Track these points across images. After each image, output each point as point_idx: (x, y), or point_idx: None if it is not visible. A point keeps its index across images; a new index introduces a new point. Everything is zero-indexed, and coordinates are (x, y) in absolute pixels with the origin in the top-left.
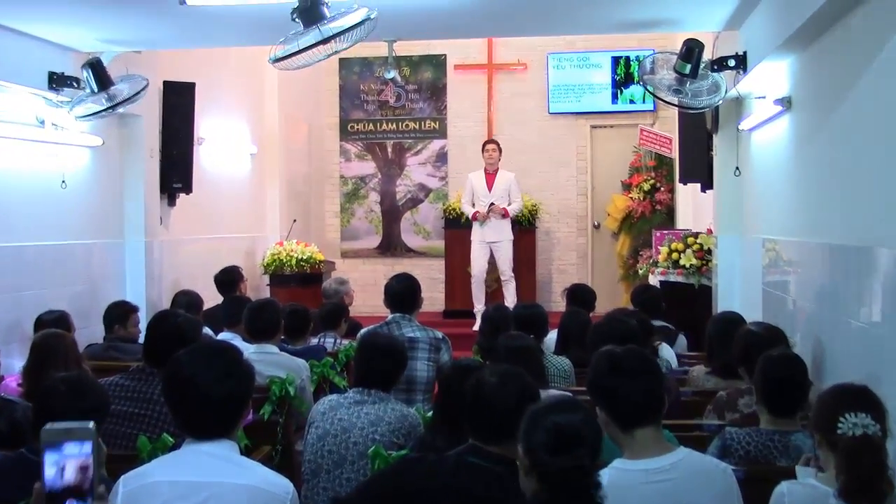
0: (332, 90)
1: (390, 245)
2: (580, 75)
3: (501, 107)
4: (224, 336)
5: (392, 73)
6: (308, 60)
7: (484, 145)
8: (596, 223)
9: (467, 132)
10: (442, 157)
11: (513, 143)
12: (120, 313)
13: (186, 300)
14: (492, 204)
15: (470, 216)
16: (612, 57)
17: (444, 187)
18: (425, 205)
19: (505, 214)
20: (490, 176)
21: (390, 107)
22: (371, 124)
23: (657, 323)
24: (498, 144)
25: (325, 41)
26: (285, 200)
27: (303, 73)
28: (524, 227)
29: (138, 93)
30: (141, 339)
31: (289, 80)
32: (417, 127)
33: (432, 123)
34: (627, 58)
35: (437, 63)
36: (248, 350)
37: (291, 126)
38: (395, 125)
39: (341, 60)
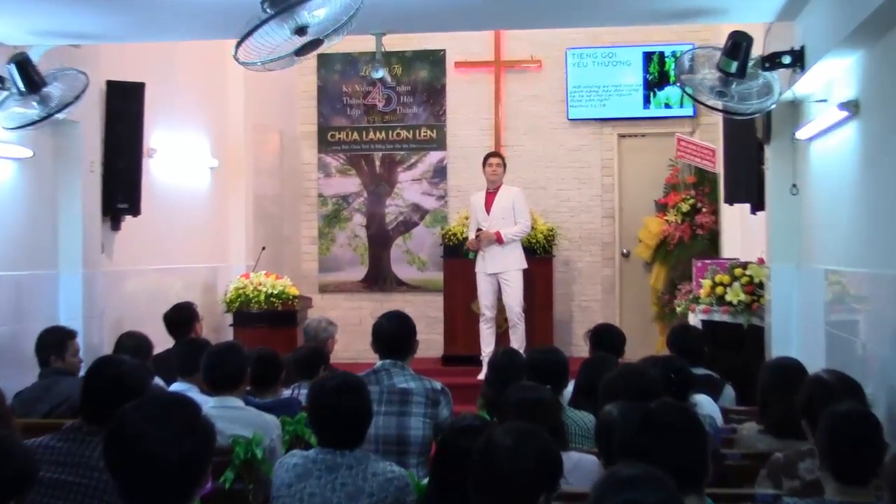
0: (308, 92)
1: (378, 277)
2: (606, 74)
3: (511, 112)
4: (178, 387)
5: (381, 73)
6: (282, 61)
7: (485, 159)
8: (625, 251)
9: (470, 142)
10: (440, 173)
11: (525, 155)
12: (55, 341)
13: (133, 344)
14: (479, 229)
15: (468, 242)
16: (644, 53)
17: (443, 208)
18: (420, 229)
19: (497, 240)
20: (490, 195)
21: (378, 112)
22: (355, 133)
23: (698, 371)
24: (502, 159)
25: (300, 33)
26: (252, 224)
27: (273, 73)
28: (539, 255)
29: (79, 95)
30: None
31: (257, 80)
32: (411, 136)
33: (429, 132)
34: (662, 54)
35: (435, 60)
36: (207, 404)
37: (260, 135)
38: (384, 134)
39: (320, 57)
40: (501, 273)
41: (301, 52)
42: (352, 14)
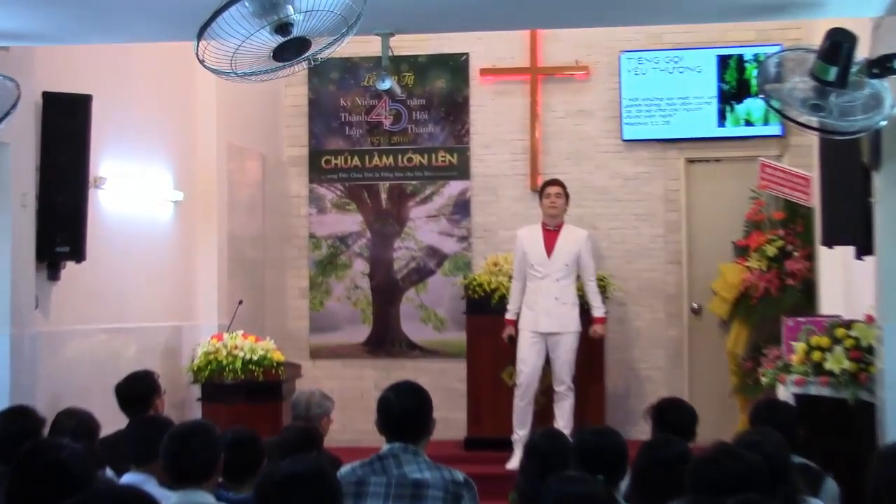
0: (297, 107)
1: (385, 339)
2: (670, 84)
3: (551, 131)
4: (131, 479)
5: (388, 83)
6: (263, 73)
7: (543, 188)
8: (695, 306)
9: (500, 169)
10: (462, 208)
11: (568, 185)
12: None
13: (74, 424)
14: (592, 332)
15: (506, 317)
16: (718, 56)
17: (466, 252)
18: (437, 279)
19: (598, 323)
20: (551, 234)
21: (385, 132)
22: (356, 158)
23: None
24: (564, 188)
25: (282, 32)
26: (226, 272)
27: (254, 83)
28: (587, 311)
29: (8, 111)
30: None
31: (232, 92)
32: (426, 162)
33: (448, 157)
34: (741, 57)
35: (456, 66)
36: (169, 500)
37: (236, 160)
38: (391, 159)
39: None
40: (556, 333)
41: (284, 57)
42: (353, 21)
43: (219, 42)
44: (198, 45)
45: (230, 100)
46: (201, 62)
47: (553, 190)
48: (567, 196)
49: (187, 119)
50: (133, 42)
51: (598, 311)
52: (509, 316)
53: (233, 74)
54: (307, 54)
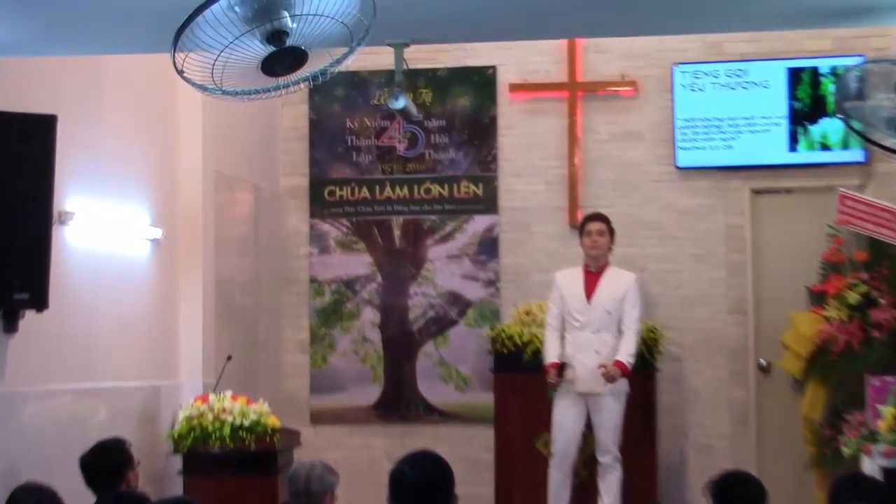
0: (296, 129)
1: (398, 401)
2: (732, 102)
3: (593, 157)
4: None
5: (402, 101)
6: (253, 92)
7: (583, 224)
8: (763, 363)
9: (534, 201)
10: (489, 247)
11: (613, 220)
12: None
13: (34, 502)
14: (600, 366)
15: (546, 362)
16: (789, 69)
17: (494, 298)
18: (461, 330)
19: (625, 372)
20: (592, 277)
21: (399, 158)
22: (365, 188)
23: None
24: (608, 223)
25: (275, 41)
26: (213, 322)
27: (245, 103)
28: (639, 368)
29: None
30: None
31: (220, 113)
32: (446, 193)
33: (472, 187)
34: (815, 70)
35: (482, 82)
36: None
37: (225, 192)
38: (406, 190)
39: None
40: (598, 394)
41: (276, 70)
42: (361, 34)
43: (201, 51)
44: (174, 52)
45: (218, 122)
46: (180, 73)
47: (595, 226)
48: (612, 233)
49: (168, 144)
50: (105, 54)
51: (622, 356)
52: (551, 360)
53: (217, 91)
54: (306, 73)
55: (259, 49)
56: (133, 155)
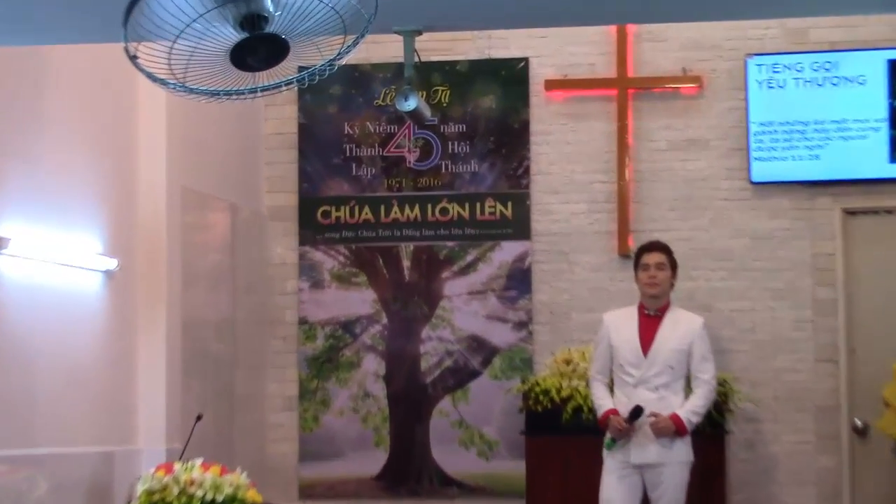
0: (282, 136)
1: (408, 471)
2: (820, 101)
3: (647, 169)
4: None
5: (412, 101)
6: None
7: (639, 255)
8: (859, 424)
9: (576, 224)
10: (520, 280)
11: (675, 248)
12: None
13: None
14: (650, 415)
15: (599, 415)
16: (889, 62)
17: (526, 344)
18: (484, 383)
19: (679, 430)
20: (650, 322)
21: (409, 171)
22: (367, 209)
23: None
24: (669, 254)
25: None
26: (179, 373)
27: (219, 104)
28: (705, 430)
29: None
30: None
31: (190, 115)
32: (467, 214)
33: (499, 206)
34: None
35: (511, 77)
36: None
37: (195, 212)
38: (418, 211)
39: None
40: (656, 465)
41: (249, 64)
42: (364, 24)
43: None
44: (125, 33)
45: (186, 127)
46: (132, 58)
47: (653, 258)
48: (674, 267)
49: (125, 154)
50: (48, 44)
51: (683, 409)
52: (605, 410)
53: (178, 88)
54: (294, 74)
55: (231, 36)
56: (82, 168)
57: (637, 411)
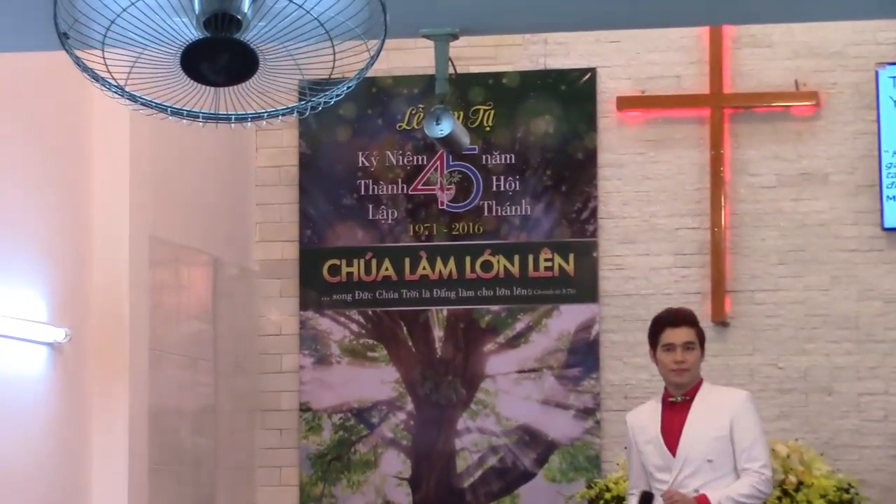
0: (278, 170)
1: None
2: None
3: (751, 211)
4: None
5: (446, 125)
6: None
7: (659, 331)
8: None
9: (656, 282)
10: (585, 355)
11: (782, 312)
12: None
13: None
14: (646, 495)
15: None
16: None
17: (593, 437)
18: (539, 486)
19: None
20: (675, 411)
21: (441, 214)
22: (388, 264)
23: None
24: (697, 327)
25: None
26: (146, 478)
27: (195, 128)
28: None
29: None
30: None
31: (160, 146)
32: (517, 269)
33: (558, 260)
34: None
35: (574, 93)
36: None
37: (167, 270)
38: (454, 265)
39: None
40: None
41: (205, 74)
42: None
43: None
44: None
45: (154, 161)
46: (62, 36)
47: (680, 336)
48: (702, 342)
49: (76, 193)
50: None
51: (718, 493)
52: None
53: (116, 91)
54: (283, 104)
55: (186, 33)
56: (21, 211)
57: (646, 498)
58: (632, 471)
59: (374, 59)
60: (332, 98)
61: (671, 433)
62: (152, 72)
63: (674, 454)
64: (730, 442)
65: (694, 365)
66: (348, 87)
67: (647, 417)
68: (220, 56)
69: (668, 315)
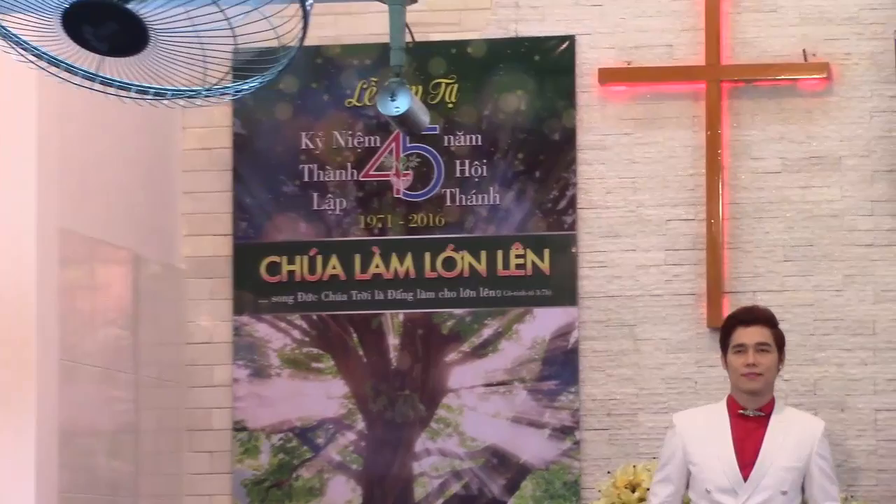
0: (208, 153)
1: None
2: None
3: (752, 200)
4: None
5: (403, 101)
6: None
7: (729, 329)
8: None
9: (644, 283)
10: (563, 365)
11: (799, 320)
12: None
13: None
14: None
15: None
16: None
17: (572, 459)
18: None
19: None
20: (748, 426)
21: (397, 203)
22: (335, 261)
23: None
24: (774, 328)
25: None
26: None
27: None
28: None
29: None
30: None
31: (71, 124)
32: (484, 267)
33: (532, 257)
34: None
35: (549, 65)
36: None
37: (80, 268)
38: (410, 263)
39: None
40: None
41: (86, 38)
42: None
43: None
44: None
45: (64, 142)
46: None
47: (753, 336)
48: (781, 345)
49: None
50: None
51: None
52: None
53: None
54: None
55: None
56: None
57: None
58: (664, 486)
59: (306, 19)
60: (267, 78)
61: (744, 452)
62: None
63: (746, 477)
64: (802, 474)
65: (769, 370)
66: (290, 60)
67: (709, 426)
68: (106, 23)
69: (740, 312)
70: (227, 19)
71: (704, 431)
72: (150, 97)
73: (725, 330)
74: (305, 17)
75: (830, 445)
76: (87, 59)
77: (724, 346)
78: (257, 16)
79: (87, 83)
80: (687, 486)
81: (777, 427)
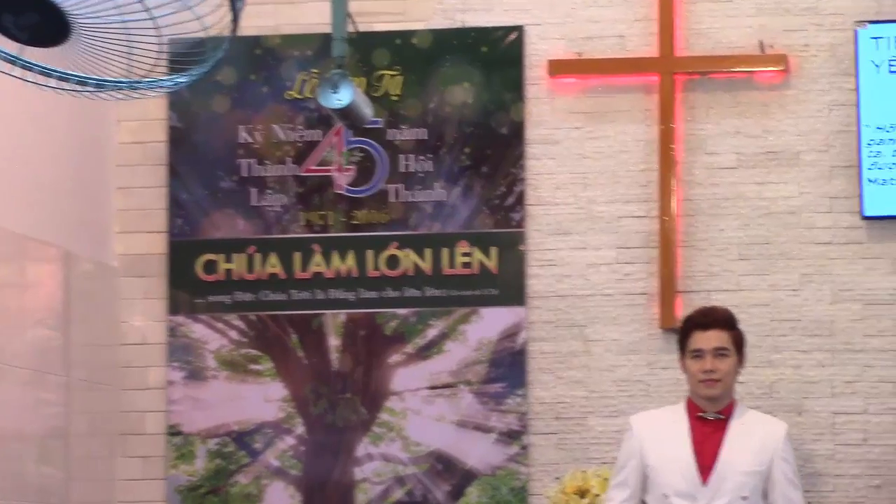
0: (143, 147)
1: None
2: None
3: (708, 197)
4: None
5: (345, 94)
6: None
7: (687, 334)
8: None
9: (595, 282)
10: (510, 367)
11: (756, 321)
12: None
13: None
14: None
15: None
16: None
17: (519, 465)
18: None
19: None
20: (707, 429)
21: (338, 199)
22: (274, 259)
23: None
24: (732, 330)
25: None
26: None
27: (44, 94)
28: None
29: None
30: None
31: (0, 108)
32: (429, 266)
33: (478, 255)
34: None
35: (497, 56)
36: None
37: (5, 266)
38: (353, 261)
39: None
40: None
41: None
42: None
43: None
44: None
45: None
46: None
47: (710, 340)
48: (740, 347)
49: None
50: None
51: None
52: None
53: None
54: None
55: None
56: None
57: None
58: (620, 490)
59: (235, 8)
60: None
61: (703, 455)
62: None
63: (705, 481)
64: (764, 479)
65: (727, 375)
66: (223, 50)
67: (668, 429)
68: (27, 13)
69: (697, 315)
70: (147, 9)
71: (663, 434)
72: (71, 85)
73: (682, 333)
74: (234, 5)
75: (792, 452)
76: (7, 45)
77: (682, 349)
78: (180, 6)
79: (7, 67)
80: (644, 490)
81: (737, 430)
